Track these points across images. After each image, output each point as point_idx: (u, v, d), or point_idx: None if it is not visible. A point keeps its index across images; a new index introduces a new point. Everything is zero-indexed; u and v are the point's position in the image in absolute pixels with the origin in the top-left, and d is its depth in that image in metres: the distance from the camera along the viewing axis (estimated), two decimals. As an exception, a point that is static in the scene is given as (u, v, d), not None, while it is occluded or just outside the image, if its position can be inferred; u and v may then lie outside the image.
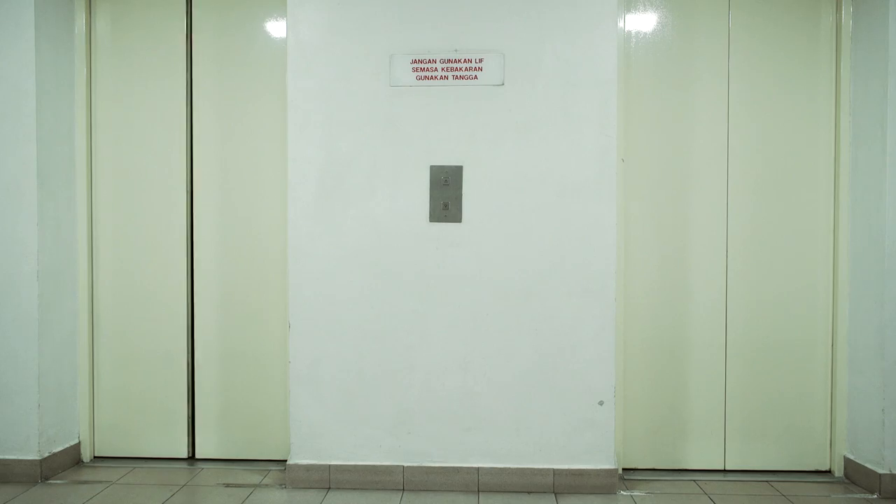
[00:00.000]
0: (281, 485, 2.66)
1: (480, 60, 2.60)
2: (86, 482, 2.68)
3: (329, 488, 2.63)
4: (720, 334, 2.81)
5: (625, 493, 2.59)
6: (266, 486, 2.66)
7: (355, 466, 2.64)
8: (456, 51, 2.61)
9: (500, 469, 2.61)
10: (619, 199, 2.65)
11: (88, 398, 2.90)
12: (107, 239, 2.94)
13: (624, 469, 2.79)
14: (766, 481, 2.72)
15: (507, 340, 2.61)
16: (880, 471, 2.55)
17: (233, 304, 2.91)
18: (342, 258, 2.64)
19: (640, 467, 2.82)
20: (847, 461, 2.72)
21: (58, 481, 2.69)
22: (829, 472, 2.80)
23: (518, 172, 2.61)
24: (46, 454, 2.70)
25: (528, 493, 2.59)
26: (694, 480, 2.73)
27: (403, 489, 2.62)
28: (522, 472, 2.60)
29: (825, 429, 2.80)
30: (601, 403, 2.59)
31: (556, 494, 2.58)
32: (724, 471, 2.81)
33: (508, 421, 2.62)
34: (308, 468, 2.64)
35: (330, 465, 2.64)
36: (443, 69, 2.60)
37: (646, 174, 2.80)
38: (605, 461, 2.60)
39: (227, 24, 2.90)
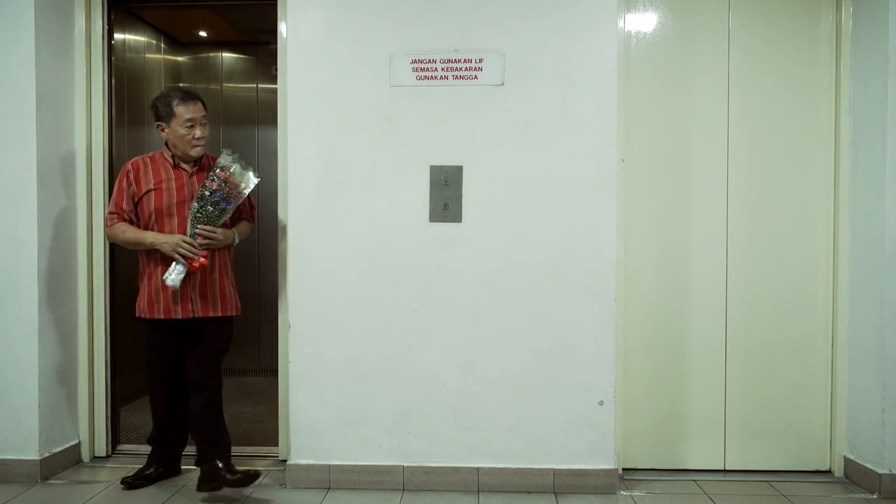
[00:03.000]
0: (281, 485, 2.66)
1: (480, 60, 2.60)
2: (86, 482, 2.68)
3: (329, 488, 2.63)
4: (720, 334, 2.80)
5: (625, 493, 2.59)
6: (266, 486, 2.66)
7: (355, 466, 2.64)
8: (456, 51, 2.61)
9: (500, 469, 2.61)
10: (619, 199, 2.65)
11: (88, 398, 2.90)
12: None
13: (624, 469, 2.78)
14: (766, 481, 2.72)
15: (507, 340, 2.61)
16: (880, 471, 2.55)
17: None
18: (342, 258, 2.64)
19: (640, 467, 2.82)
20: (847, 461, 2.72)
21: (58, 481, 2.69)
22: (829, 471, 2.80)
23: (518, 172, 2.60)
24: (46, 454, 2.70)
25: (528, 493, 2.59)
26: (694, 480, 2.73)
27: (403, 489, 2.62)
28: (522, 472, 2.60)
29: (825, 429, 2.80)
30: (601, 403, 2.59)
31: (556, 494, 2.58)
32: (724, 471, 2.81)
33: (508, 421, 2.62)
34: (308, 468, 2.64)
35: (330, 465, 2.64)
36: (443, 69, 2.60)
37: (646, 174, 2.80)
38: (604, 461, 2.60)
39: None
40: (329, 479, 2.64)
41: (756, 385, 2.81)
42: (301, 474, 2.64)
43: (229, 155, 2.45)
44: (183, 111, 2.45)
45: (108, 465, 2.87)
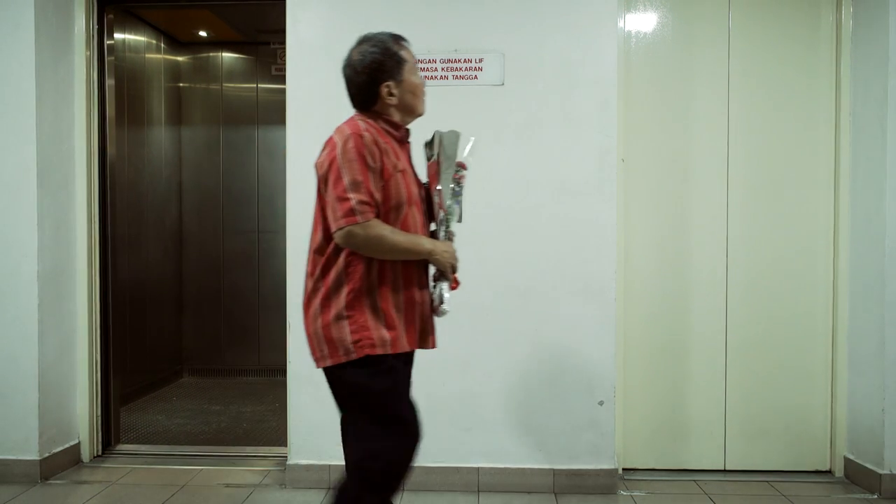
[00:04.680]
0: (281, 485, 2.66)
1: (480, 60, 2.60)
2: (86, 482, 2.68)
3: (329, 488, 2.63)
4: (720, 334, 2.80)
5: (625, 493, 2.59)
6: (266, 486, 2.66)
7: (355, 466, 2.63)
8: (456, 51, 2.61)
9: (500, 469, 2.61)
10: (619, 199, 2.65)
11: (88, 398, 2.89)
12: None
13: (624, 469, 2.78)
14: (767, 481, 2.72)
15: (507, 340, 2.61)
16: (881, 471, 2.55)
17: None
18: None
19: (640, 467, 2.81)
20: (847, 461, 2.72)
21: (58, 481, 2.69)
22: (829, 472, 2.80)
23: (518, 172, 2.60)
24: (46, 454, 2.70)
25: (528, 493, 2.59)
26: (694, 480, 2.73)
27: (403, 489, 2.62)
28: (522, 472, 2.60)
29: (825, 429, 2.80)
30: (601, 403, 2.59)
31: (556, 494, 2.58)
32: (724, 471, 2.81)
33: (508, 421, 2.62)
34: (308, 468, 2.64)
35: (330, 466, 2.64)
36: (443, 69, 2.60)
37: (646, 174, 2.80)
38: (605, 461, 2.60)
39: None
40: (329, 479, 2.64)
41: (756, 385, 2.80)
42: (301, 474, 2.64)
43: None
44: (408, 56, 1.75)
45: (107, 465, 2.86)
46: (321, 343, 1.62)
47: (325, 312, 1.61)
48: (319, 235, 1.65)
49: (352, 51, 1.75)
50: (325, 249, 1.63)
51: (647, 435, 2.81)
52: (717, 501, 2.52)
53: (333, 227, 1.57)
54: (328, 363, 1.64)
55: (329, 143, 1.65)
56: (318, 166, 1.65)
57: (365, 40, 1.74)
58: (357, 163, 1.57)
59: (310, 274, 1.66)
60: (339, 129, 1.67)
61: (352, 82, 1.75)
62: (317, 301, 1.63)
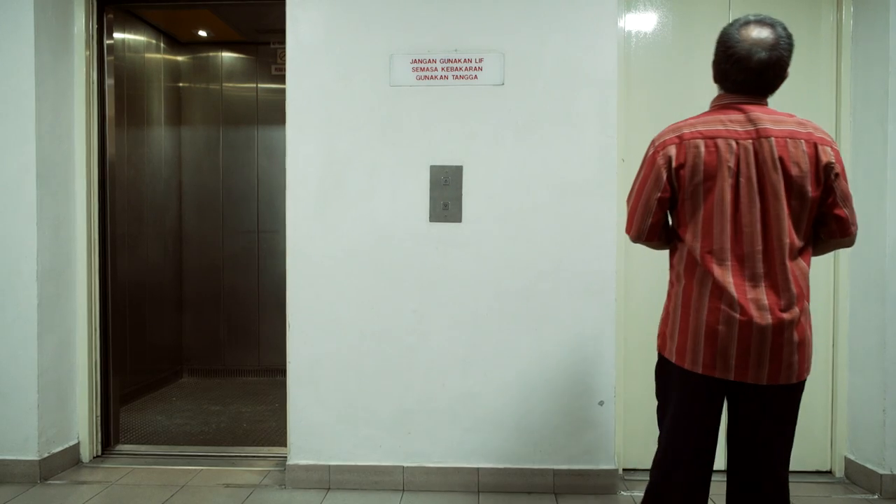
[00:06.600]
0: (281, 485, 2.66)
1: (480, 60, 2.60)
2: (85, 482, 2.68)
3: (329, 488, 2.63)
4: (720, 334, 2.80)
5: (625, 494, 2.59)
6: (266, 486, 2.66)
7: (355, 466, 2.64)
8: (456, 51, 2.61)
9: (500, 469, 2.61)
10: (619, 199, 2.65)
11: (87, 398, 2.89)
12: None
13: (624, 469, 2.78)
14: (767, 481, 2.71)
15: (507, 340, 2.61)
16: (881, 471, 2.55)
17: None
18: (342, 258, 2.64)
19: (640, 467, 2.81)
20: (848, 461, 2.72)
21: (57, 481, 2.69)
22: (829, 472, 2.79)
23: (518, 172, 2.60)
24: (46, 454, 2.70)
25: (528, 493, 2.59)
26: (694, 481, 2.72)
27: (403, 489, 2.62)
28: (522, 472, 2.60)
29: (826, 429, 2.80)
30: (601, 403, 2.59)
31: (556, 494, 2.58)
32: (725, 471, 2.80)
33: (508, 421, 2.62)
34: (308, 468, 2.64)
35: (330, 466, 2.64)
36: (443, 69, 2.60)
37: (646, 174, 2.79)
38: (605, 461, 2.60)
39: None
40: (329, 479, 2.64)
41: (756, 385, 2.80)
42: (301, 474, 2.64)
43: None
44: None
45: (107, 466, 2.86)
46: (810, 354, 1.61)
47: (809, 321, 1.61)
48: (798, 235, 1.57)
49: (772, 31, 1.72)
50: (802, 251, 1.59)
51: (647, 435, 2.81)
52: (717, 501, 2.51)
53: (854, 228, 1.61)
54: (807, 374, 1.63)
55: (819, 140, 1.59)
56: (825, 167, 1.56)
57: (775, 23, 1.73)
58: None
59: (792, 280, 1.55)
60: (815, 126, 1.62)
61: (781, 65, 1.70)
62: (805, 310, 1.59)
